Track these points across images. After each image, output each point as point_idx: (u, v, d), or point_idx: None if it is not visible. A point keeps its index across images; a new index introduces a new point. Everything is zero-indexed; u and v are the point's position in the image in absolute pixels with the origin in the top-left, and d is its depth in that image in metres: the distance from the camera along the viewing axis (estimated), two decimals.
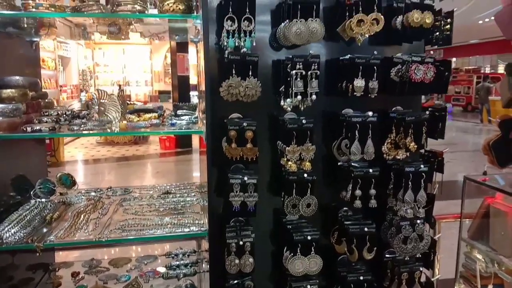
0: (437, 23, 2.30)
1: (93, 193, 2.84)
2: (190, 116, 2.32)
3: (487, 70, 25.46)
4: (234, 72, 1.88)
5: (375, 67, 2.03)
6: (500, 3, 3.26)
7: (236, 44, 1.88)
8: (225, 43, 1.88)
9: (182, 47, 11.56)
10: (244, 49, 1.89)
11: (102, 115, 2.38)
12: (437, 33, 2.35)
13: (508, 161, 3.30)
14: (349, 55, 2.12)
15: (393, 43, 2.25)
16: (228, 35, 1.88)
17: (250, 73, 1.90)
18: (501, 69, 21.75)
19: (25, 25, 2.32)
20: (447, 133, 2.45)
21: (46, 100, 2.57)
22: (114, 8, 2.07)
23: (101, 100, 2.42)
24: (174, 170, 10.19)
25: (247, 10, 1.86)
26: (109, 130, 2.14)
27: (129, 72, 16.58)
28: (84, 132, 2.05)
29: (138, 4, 2.09)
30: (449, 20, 2.37)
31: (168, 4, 2.04)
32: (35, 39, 2.75)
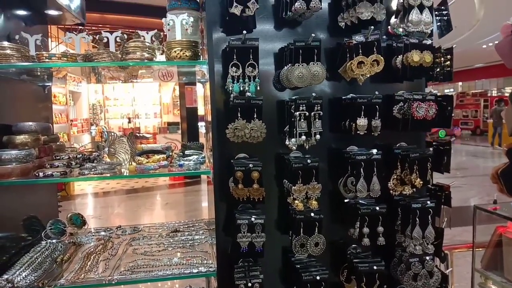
0: (437, 59, 2.36)
1: (103, 233, 2.86)
2: (197, 156, 2.37)
3: (494, 93, 25.47)
4: (239, 115, 1.94)
5: (377, 106, 2.07)
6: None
7: (241, 88, 1.95)
8: (230, 88, 1.94)
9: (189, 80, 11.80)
10: (249, 93, 1.95)
11: (112, 157, 2.45)
12: (438, 69, 2.40)
13: None
14: (351, 95, 2.18)
15: (394, 81, 2.31)
16: (233, 81, 1.95)
17: (255, 116, 1.95)
18: (508, 92, 21.71)
19: (38, 73, 2.42)
20: (457, 157, 2.46)
21: (58, 143, 2.64)
22: (124, 56, 2.16)
23: (111, 142, 2.49)
24: (183, 201, 10.20)
25: (251, 57, 1.94)
26: (118, 173, 2.19)
27: (139, 105, 16.86)
28: (95, 176, 2.10)
29: (147, 51, 2.18)
30: (449, 56, 2.43)
31: (175, 51, 2.13)
32: (47, 84, 2.86)
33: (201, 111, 12.62)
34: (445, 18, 2.40)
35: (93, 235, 2.81)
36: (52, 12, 2.83)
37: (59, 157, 2.38)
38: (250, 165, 1.95)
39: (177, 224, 3.02)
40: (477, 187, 9.39)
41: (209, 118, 2.22)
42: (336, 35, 2.24)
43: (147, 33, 2.43)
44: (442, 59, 2.42)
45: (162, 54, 2.39)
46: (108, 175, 2.13)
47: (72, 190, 10.50)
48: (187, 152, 2.44)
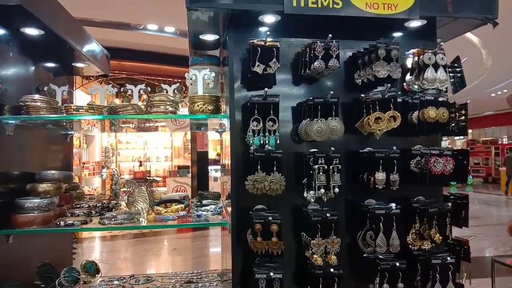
0: (452, 114, 2.41)
1: (116, 282, 2.84)
2: (215, 206, 2.39)
3: (505, 141, 25.41)
4: (259, 167, 1.98)
5: (395, 161, 2.10)
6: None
7: (261, 142, 2.00)
8: (251, 141, 2.00)
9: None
10: (269, 146, 2.00)
11: (130, 206, 2.48)
12: (453, 124, 2.44)
13: None
14: (368, 148, 2.22)
15: (410, 135, 2.34)
16: (254, 134, 2.00)
17: (275, 168, 1.99)
18: None
19: (64, 123, 2.51)
20: (470, 206, 2.44)
21: (78, 191, 2.69)
22: (149, 109, 2.24)
23: (131, 191, 2.53)
24: (191, 247, 10.04)
25: (271, 112, 2.00)
26: (137, 223, 2.21)
27: (150, 148, 17.07)
28: (114, 226, 2.12)
29: (170, 105, 2.26)
30: (463, 111, 2.48)
31: (198, 105, 2.21)
32: (70, 133, 2.95)
33: (211, 155, 12.71)
34: (459, 75, 2.48)
35: (106, 284, 2.78)
36: (79, 65, 2.97)
37: (79, 206, 2.42)
38: (270, 218, 1.96)
39: (190, 274, 2.98)
40: (492, 236, 9.14)
41: (226, 161, 2.26)
42: (352, 91, 2.31)
43: (170, 86, 2.54)
44: (457, 113, 2.47)
45: (183, 107, 2.49)
46: (128, 224, 2.15)
47: (80, 234, 10.42)
48: (204, 202, 2.46)
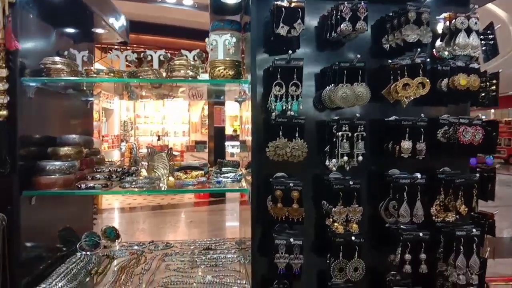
0: (482, 84, 2.31)
1: (136, 247, 2.88)
2: (234, 174, 2.37)
3: None
4: (281, 134, 1.93)
5: (422, 129, 2.03)
6: None
7: (284, 107, 1.95)
8: (273, 107, 1.95)
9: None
10: (291, 112, 1.95)
11: (151, 172, 2.48)
12: (483, 94, 2.34)
13: None
14: (394, 117, 2.14)
15: (438, 104, 2.26)
16: (276, 99, 1.95)
17: (297, 135, 1.94)
18: None
19: (84, 88, 2.50)
20: None
21: (98, 157, 2.70)
22: (169, 74, 2.20)
23: (150, 157, 2.52)
24: (207, 220, 10.18)
25: (295, 77, 1.94)
26: (158, 188, 2.21)
27: (168, 123, 17.19)
28: (135, 189, 2.13)
29: (191, 70, 2.22)
30: (494, 81, 2.37)
31: (219, 70, 2.16)
32: (90, 99, 2.95)
33: (228, 131, 12.71)
34: (491, 42, 2.35)
35: (126, 249, 2.82)
36: (99, 31, 2.94)
37: (100, 170, 2.43)
38: (291, 184, 1.93)
39: (209, 241, 3.00)
40: (511, 218, 8.99)
41: (245, 137, 2.22)
42: (379, 56, 2.22)
43: (190, 52, 2.49)
44: (488, 83, 2.36)
45: (204, 73, 2.44)
46: (149, 189, 2.15)
47: (100, 204, 10.67)
48: (224, 169, 2.44)
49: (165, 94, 3.01)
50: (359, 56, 1.95)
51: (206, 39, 2.48)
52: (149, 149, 2.62)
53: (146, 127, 17.19)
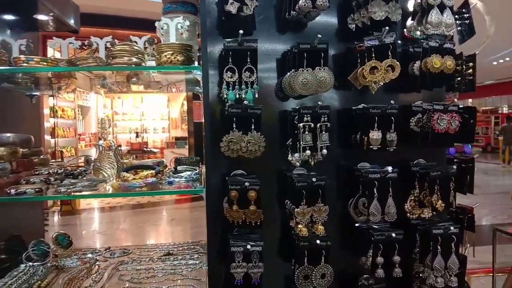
0: (458, 67, 2.12)
1: (89, 255, 2.62)
2: (190, 172, 2.13)
3: (505, 110, 25.03)
4: (234, 126, 1.70)
5: (392, 118, 1.83)
6: None
7: (237, 96, 1.72)
8: (225, 95, 1.72)
9: (198, 94, 11.69)
10: (246, 102, 1.72)
11: (97, 173, 2.22)
12: (459, 78, 2.15)
13: None
14: (362, 105, 1.94)
15: (410, 90, 2.06)
16: (228, 87, 1.72)
17: (253, 127, 1.71)
18: None
19: (20, 80, 2.22)
20: None
21: (41, 157, 2.43)
22: (109, 61, 1.95)
23: (97, 156, 2.28)
24: (189, 217, 9.95)
25: (249, 61, 1.71)
26: (100, 191, 1.96)
27: (147, 120, 16.79)
28: (73, 194, 1.87)
29: (136, 56, 1.97)
30: (471, 64, 2.18)
31: (166, 56, 1.91)
32: (35, 94, 2.66)
33: None
34: (467, 21, 2.16)
35: (78, 258, 2.56)
36: (42, 18, 2.66)
37: (38, 172, 2.16)
38: (246, 184, 1.70)
39: (171, 246, 2.76)
40: (490, 205, 9.00)
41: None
42: (346, 39, 2.01)
43: (140, 38, 2.24)
44: (464, 66, 2.17)
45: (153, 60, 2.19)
46: (87, 193, 1.90)
47: (78, 205, 10.31)
48: (179, 168, 2.21)
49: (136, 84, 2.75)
50: (319, 36, 1.73)
51: (156, 23, 2.24)
52: (97, 147, 2.37)
53: (125, 124, 16.76)
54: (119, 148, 2.29)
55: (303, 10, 1.73)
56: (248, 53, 1.71)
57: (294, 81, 1.76)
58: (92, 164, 2.37)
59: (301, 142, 1.75)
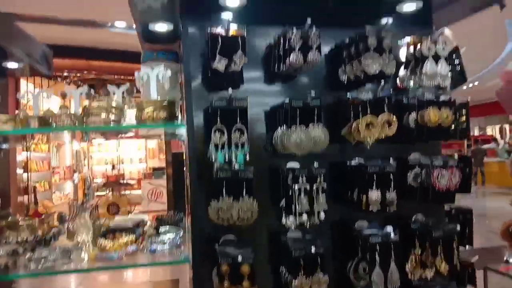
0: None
1: None
2: (174, 235, 1.95)
3: (476, 132, 25.79)
4: (224, 191, 1.56)
5: (391, 175, 1.72)
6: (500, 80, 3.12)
7: (227, 158, 1.58)
8: (213, 158, 1.57)
9: None
10: (235, 165, 1.58)
11: (71, 238, 2.02)
12: (453, 126, 2.08)
13: None
14: (358, 160, 1.83)
15: (405, 142, 1.96)
16: (217, 149, 1.58)
17: (244, 192, 1.57)
18: (489, 131, 21.87)
19: None
20: None
21: (9, 219, 2.20)
22: (86, 119, 1.79)
23: (72, 216, 2.08)
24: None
25: (239, 120, 1.58)
26: (74, 265, 1.75)
27: (123, 150, 16.41)
28: (42, 271, 1.66)
29: (113, 113, 1.82)
30: (464, 111, 2.12)
31: (147, 113, 1.77)
32: (3, 146, 2.45)
33: None
34: (458, 67, 2.11)
35: None
36: (12, 65, 2.48)
37: (5, 241, 1.94)
38: (239, 258, 1.54)
39: None
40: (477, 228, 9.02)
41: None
42: (336, 89, 1.91)
43: (118, 87, 2.09)
44: (457, 114, 2.11)
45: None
46: (60, 269, 1.70)
47: None
48: (162, 229, 2.03)
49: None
50: (313, 93, 1.63)
51: (136, 73, 2.10)
52: (72, 205, 2.17)
53: (101, 156, 16.31)
54: (97, 209, 2.09)
55: (293, 65, 1.63)
56: (238, 112, 1.58)
57: (287, 140, 1.64)
58: (66, 225, 2.16)
59: (298, 207, 1.61)
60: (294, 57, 1.60)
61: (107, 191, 12.29)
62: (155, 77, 2.01)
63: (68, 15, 6.91)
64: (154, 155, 16.65)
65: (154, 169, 15.40)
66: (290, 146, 1.63)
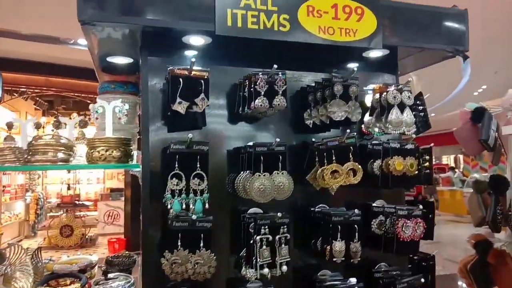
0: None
1: None
2: (124, 283, 1.80)
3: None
4: (179, 243, 1.44)
5: (356, 226, 1.66)
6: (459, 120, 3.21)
7: (184, 206, 1.47)
8: (169, 205, 1.46)
9: None
10: (193, 214, 1.47)
11: (9, 283, 1.82)
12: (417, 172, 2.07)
13: (488, 285, 2.97)
14: (321, 206, 1.77)
15: (369, 186, 1.92)
16: (173, 195, 1.47)
17: (202, 244, 1.46)
18: (445, 160, 22.79)
19: None
20: None
21: None
22: (30, 157, 1.63)
23: (10, 260, 1.88)
24: None
25: (198, 166, 1.48)
26: None
27: (80, 170, 15.77)
28: None
29: (63, 151, 1.67)
30: (427, 157, 2.12)
31: (99, 152, 1.64)
32: None
33: None
34: (422, 114, 2.12)
35: None
36: None
37: None
38: None
39: None
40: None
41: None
42: (301, 132, 1.87)
43: (71, 118, 1.96)
44: (421, 159, 2.11)
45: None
46: None
47: None
48: (110, 275, 1.87)
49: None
50: (278, 140, 1.56)
51: (90, 106, 1.97)
52: (10, 248, 1.97)
53: (56, 175, 15.57)
54: (39, 252, 1.91)
55: (258, 109, 1.56)
56: (198, 157, 1.48)
57: (249, 186, 1.55)
58: (4, 268, 1.95)
59: (259, 259, 1.51)
60: (259, 102, 1.54)
61: (61, 212, 11.66)
62: (111, 110, 1.89)
63: (28, 30, 6.65)
64: (113, 175, 16.10)
65: (112, 190, 14.84)
66: (253, 192, 1.54)
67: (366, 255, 1.84)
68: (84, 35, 1.58)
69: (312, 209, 1.78)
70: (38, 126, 1.92)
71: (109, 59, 1.86)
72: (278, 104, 1.56)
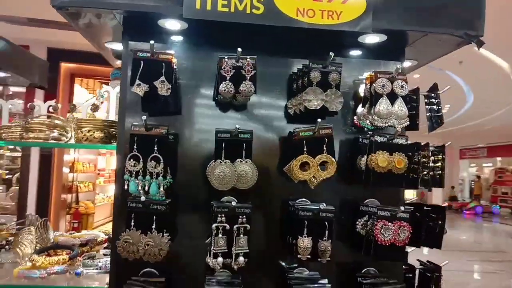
0: (424, 159, 1.83)
1: None
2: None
3: None
4: (132, 224, 1.47)
5: (326, 222, 1.54)
6: None
7: (139, 188, 1.49)
8: (126, 187, 1.49)
9: None
10: (149, 196, 1.49)
11: (14, 249, 2.02)
12: (425, 172, 1.85)
13: None
14: (299, 201, 1.67)
15: (358, 186, 1.76)
16: (131, 176, 1.50)
17: (154, 226, 1.47)
18: None
19: None
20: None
21: None
22: (24, 134, 1.79)
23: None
24: None
25: (155, 148, 1.49)
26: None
27: None
28: None
29: (58, 131, 1.80)
30: (440, 156, 1.89)
31: (82, 132, 1.74)
32: None
33: None
34: (436, 107, 1.89)
35: None
36: None
37: None
38: None
39: None
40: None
41: None
42: (290, 122, 1.77)
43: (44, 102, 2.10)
44: (432, 158, 1.88)
45: None
46: None
47: None
48: (103, 251, 1.97)
49: None
50: (237, 126, 1.50)
51: (97, 90, 2.09)
52: (28, 216, 2.18)
53: None
54: (46, 223, 2.09)
55: (224, 95, 1.52)
56: (156, 140, 1.49)
57: (210, 173, 1.52)
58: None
59: (213, 248, 1.48)
60: (223, 87, 1.49)
61: None
62: (115, 94, 1.99)
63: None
64: None
65: None
66: (214, 179, 1.51)
67: (349, 256, 1.71)
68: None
69: (289, 202, 1.69)
70: (55, 108, 2.09)
71: (107, 45, 1.95)
72: (245, 90, 1.50)
